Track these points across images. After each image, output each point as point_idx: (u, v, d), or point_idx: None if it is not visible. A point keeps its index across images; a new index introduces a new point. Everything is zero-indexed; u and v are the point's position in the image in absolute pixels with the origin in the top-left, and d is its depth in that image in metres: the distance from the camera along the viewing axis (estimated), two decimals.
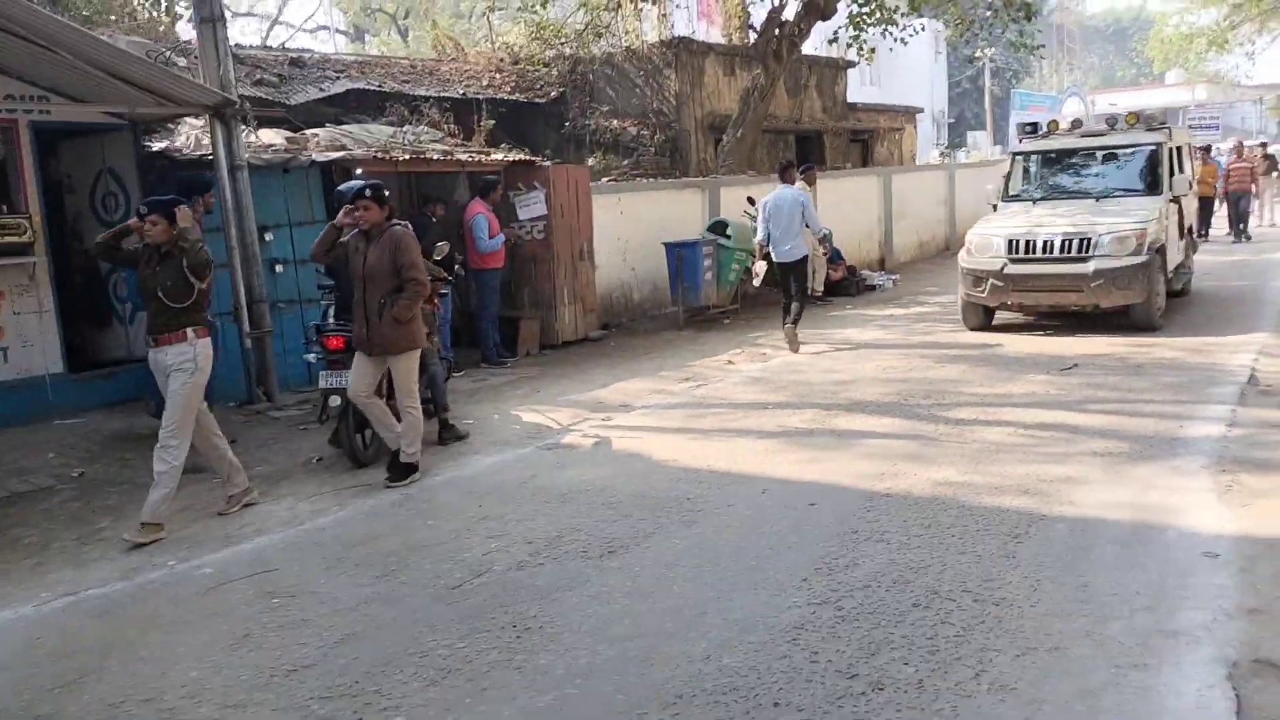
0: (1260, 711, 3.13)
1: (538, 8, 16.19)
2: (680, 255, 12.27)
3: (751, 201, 13.59)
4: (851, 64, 19.19)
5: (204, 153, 8.75)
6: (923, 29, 15.81)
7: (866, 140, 21.12)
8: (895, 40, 15.40)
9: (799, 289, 10.44)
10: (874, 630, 3.84)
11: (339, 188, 7.52)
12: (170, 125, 9.49)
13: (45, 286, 8.43)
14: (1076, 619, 3.85)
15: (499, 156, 11.52)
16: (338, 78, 14.37)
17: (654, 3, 16.64)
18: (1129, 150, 10.98)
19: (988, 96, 39.23)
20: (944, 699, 3.31)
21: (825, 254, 12.71)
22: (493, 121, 13.67)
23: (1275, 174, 20.00)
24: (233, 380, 8.48)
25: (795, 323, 10.20)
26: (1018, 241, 9.97)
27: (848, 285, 14.67)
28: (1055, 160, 11.40)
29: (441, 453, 7.09)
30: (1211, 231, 18.78)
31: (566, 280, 11.35)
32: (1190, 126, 27.06)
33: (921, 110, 25.02)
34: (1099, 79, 71.92)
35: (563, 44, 16.91)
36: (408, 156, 10.27)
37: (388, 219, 6.37)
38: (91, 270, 9.30)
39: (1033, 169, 11.49)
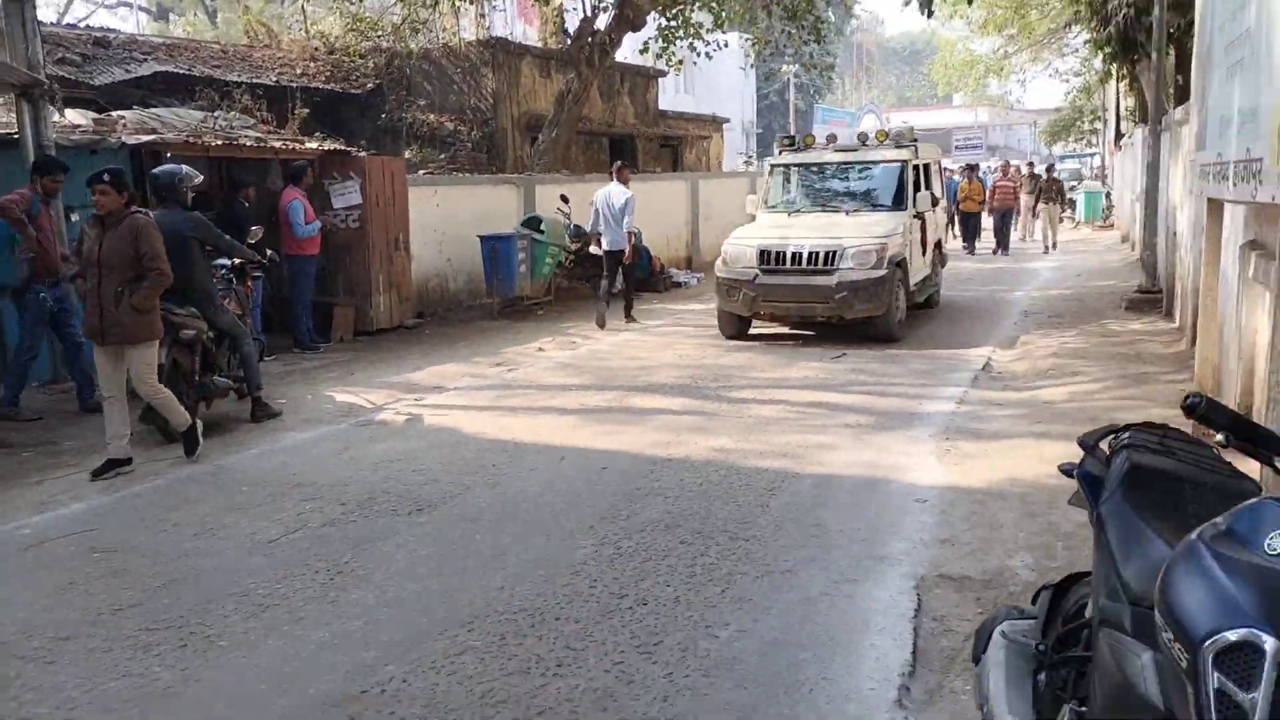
0: (931, 608, 4.01)
1: (358, 3, 16.29)
2: (495, 248, 12.80)
3: (565, 199, 14.33)
4: (662, 73, 20.18)
5: (9, 131, 8.63)
6: (726, 45, 16.88)
7: (676, 146, 22.22)
8: (700, 55, 16.40)
9: (625, 275, 12.05)
10: (644, 563, 4.55)
11: (153, 170, 7.63)
12: None
13: None
14: (808, 549, 4.68)
15: (313, 145, 11.71)
16: (145, 59, 14.11)
17: (472, 2, 17.02)
18: (877, 166, 11.36)
19: (792, 110, 41.51)
20: (694, 609, 4.04)
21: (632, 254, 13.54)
22: (307, 110, 13.77)
23: (1032, 196, 21.94)
24: (41, 359, 8.39)
25: (627, 309, 12.04)
26: (769, 253, 10.17)
27: (655, 281, 15.56)
28: (810, 173, 11.71)
29: (255, 429, 7.38)
30: (978, 245, 20.82)
31: (382, 269, 11.68)
32: (958, 147, 29.59)
33: (729, 120, 26.39)
34: (895, 98, 76.80)
35: (379, 37, 17.08)
36: (220, 142, 10.35)
37: (127, 206, 6.27)
38: None
39: (790, 181, 11.77)
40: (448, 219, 13.27)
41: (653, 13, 16.06)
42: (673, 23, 16.05)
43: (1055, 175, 22.36)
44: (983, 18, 31.55)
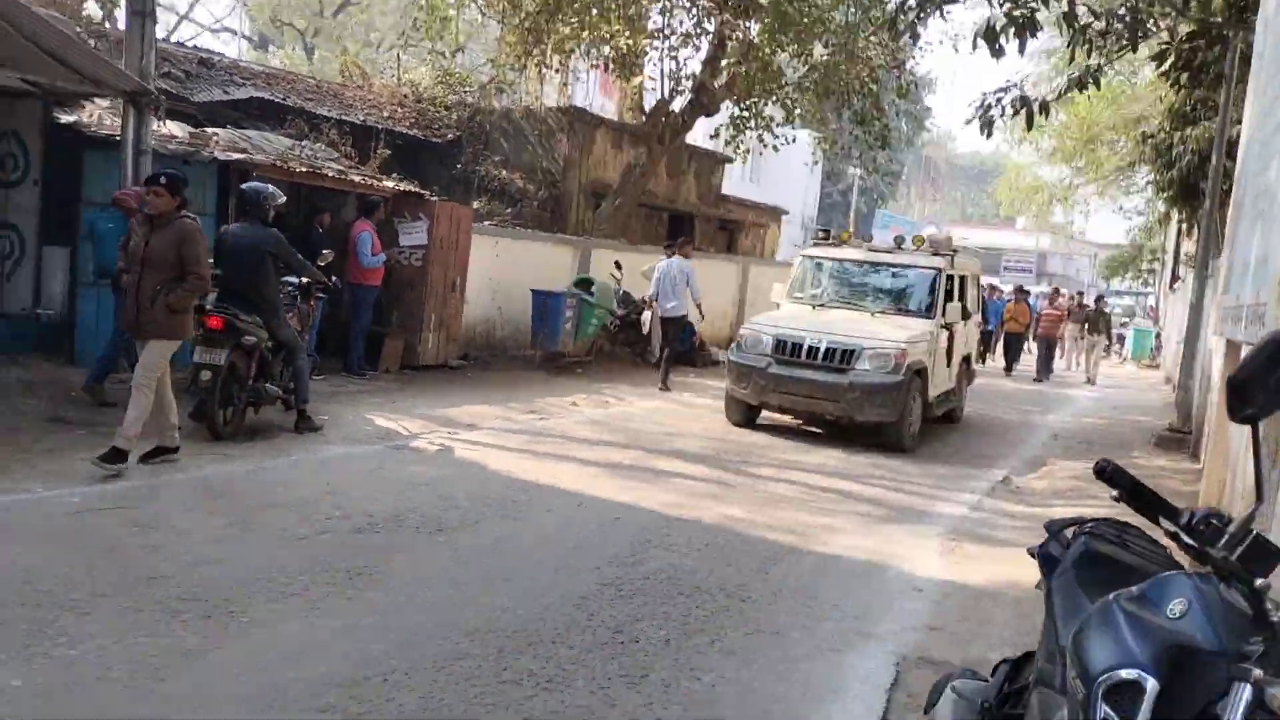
0: (907, 684, 4.20)
1: (447, 55, 17.11)
2: (545, 303, 13.25)
3: (619, 266, 14.81)
4: (729, 159, 20.78)
5: (112, 133, 9.27)
6: (794, 140, 17.45)
7: (733, 230, 22.74)
8: (768, 146, 16.95)
9: (671, 339, 13.00)
10: (642, 607, 4.79)
11: (242, 186, 8.16)
12: (82, 102, 9.92)
13: None
14: (798, 617, 4.90)
15: (390, 184, 12.29)
16: (244, 84, 14.90)
17: (557, 71, 17.78)
18: (909, 271, 11.04)
19: (853, 211, 42.11)
20: (682, 653, 4.28)
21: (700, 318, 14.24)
22: (389, 152, 14.43)
23: (1079, 325, 21.87)
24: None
25: (665, 371, 12.81)
26: (785, 343, 9.92)
27: (694, 355, 15.91)
28: (841, 269, 11.43)
29: (297, 439, 7.76)
30: (1018, 368, 20.88)
31: (436, 308, 12.14)
32: (1007, 268, 29.77)
33: (788, 212, 26.95)
34: (958, 213, 77.39)
35: (466, 92, 17.85)
36: (304, 169, 10.95)
37: (178, 209, 6.48)
38: None
39: (820, 274, 11.51)
40: (504, 269, 13.77)
41: (727, 100, 16.67)
42: (745, 113, 16.63)
43: (1103, 308, 22.25)
44: (1052, 147, 32.07)
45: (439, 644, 4.10)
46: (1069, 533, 2.76)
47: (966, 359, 12.40)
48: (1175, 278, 26.39)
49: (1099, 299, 23.46)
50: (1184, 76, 10.82)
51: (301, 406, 8.02)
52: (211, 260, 8.26)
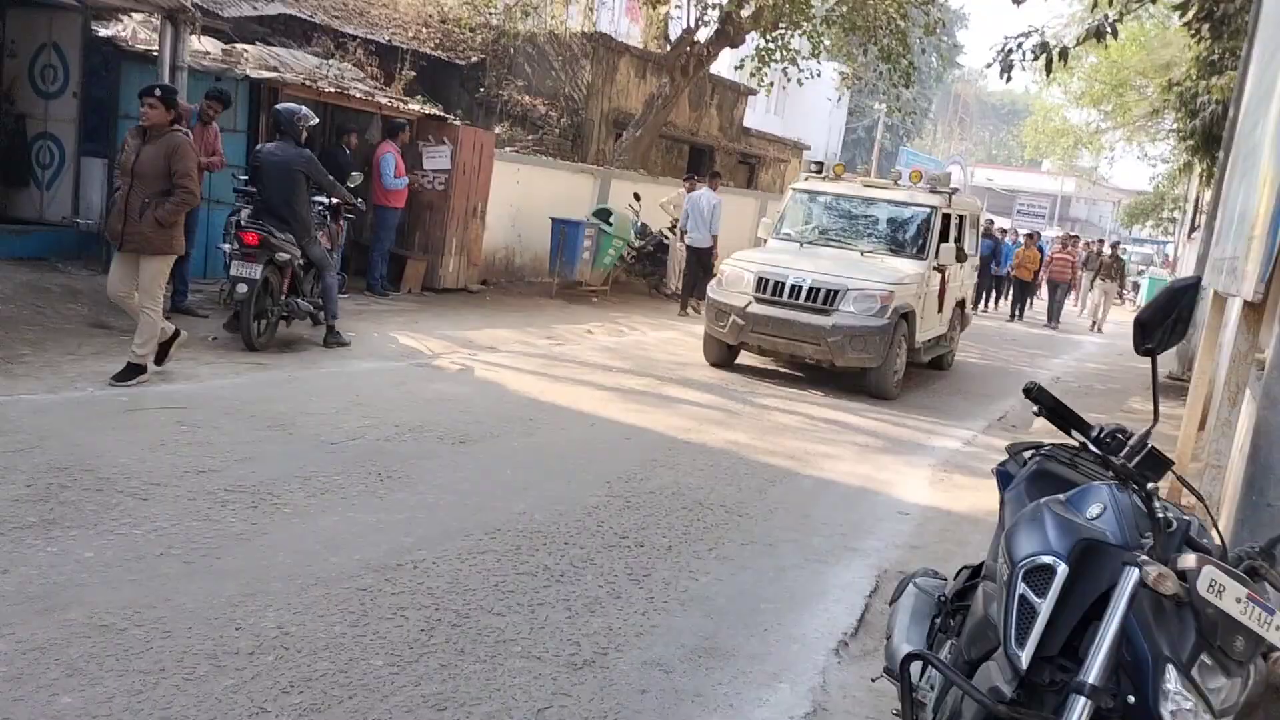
0: (885, 593, 4.58)
1: None
2: (564, 232, 13.53)
3: (637, 197, 15.05)
4: (753, 91, 20.80)
5: (149, 48, 9.53)
6: (819, 75, 17.47)
7: (754, 164, 22.82)
8: (792, 80, 17.01)
9: (702, 270, 13.35)
10: (648, 516, 5.21)
11: (276, 107, 8.44)
12: (119, 16, 10.15)
13: None
14: (792, 532, 5.31)
15: (416, 107, 12.52)
16: (272, 1, 15.03)
17: None
18: (903, 209, 10.47)
19: (876, 147, 41.86)
20: (683, 558, 4.70)
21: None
22: (413, 73, 14.61)
23: (1094, 272, 21.81)
24: None
25: (684, 303, 13.43)
26: (766, 281, 9.44)
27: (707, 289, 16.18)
28: (832, 206, 10.81)
29: (326, 353, 8.17)
30: (1029, 313, 21.10)
31: (457, 232, 12.45)
32: (1020, 211, 29.44)
33: (809, 148, 26.91)
34: (985, 153, 76.54)
35: (491, 14, 17.89)
36: (333, 90, 11.19)
37: (172, 123, 6.42)
38: (18, 134, 9.90)
39: (810, 210, 10.93)
40: (525, 196, 14.03)
41: (753, 32, 16.69)
42: (771, 45, 16.66)
43: (1118, 254, 22.23)
44: (1081, 90, 31.75)
45: (463, 540, 4.53)
46: (1026, 454, 3.12)
47: (961, 303, 11.92)
48: (1194, 228, 26.36)
49: (1114, 246, 23.47)
50: (1205, 28, 10.87)
51: (331, 322, 8.41)
52: (246, 178, 8.69)
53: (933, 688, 2.76)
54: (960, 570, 3.32)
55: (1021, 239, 21.94)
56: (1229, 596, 1.94)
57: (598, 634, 3.80)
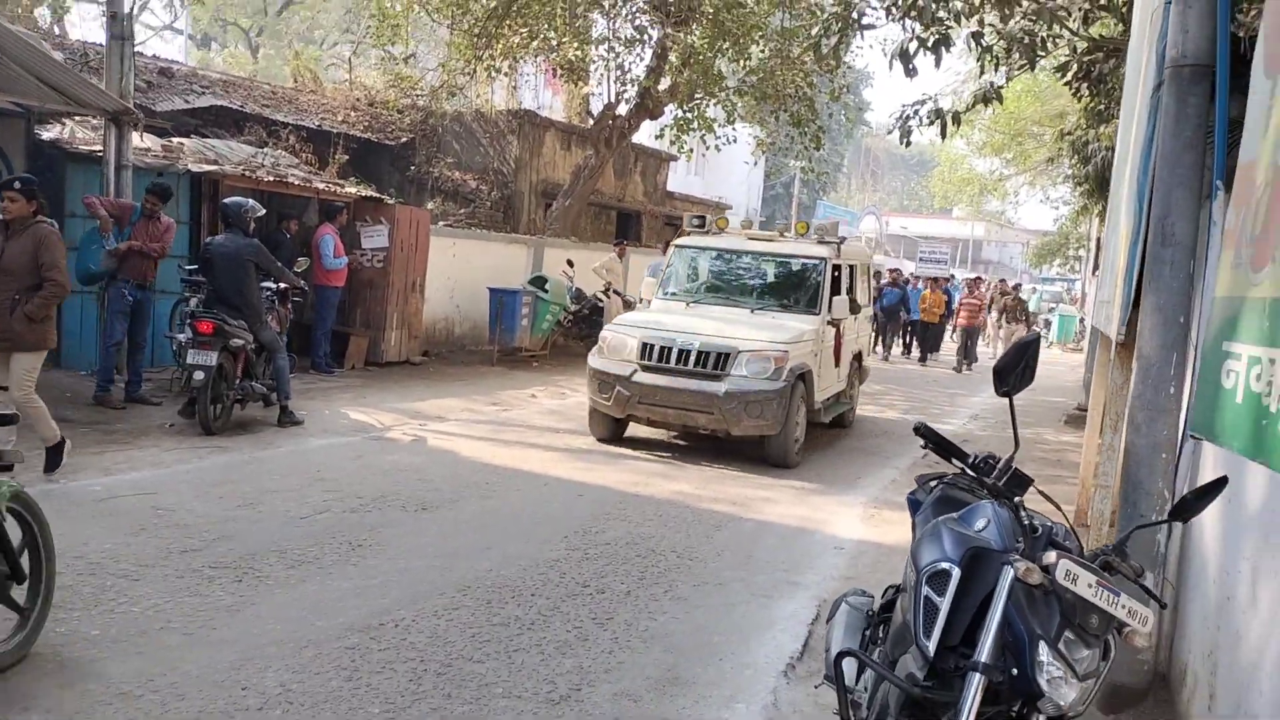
0: (824, 619, 5.08)
1: (399, 60, 17.71)
2: (502, 301, 14.01)
3: (570, 264, 15.61)
4: (674, 158, 21.64)
5: (92, 148, 9.85)
6: (735, 141, 18.32)
7: (678, 226, 23.55)
8: (710, 147, 17.82)
9: None
10: (605, 566, 5.63)
11: (224, 201, 8.80)
12: (63, 120, 10.46)
13: None
14: (738, 571, 5.77)
15: (352, 190, 12.95)
16: (203, 92, 15.40)
17: (505, 75, 18.47)
18: (792, 261, 9.96)
19: (794, 202, 43.21)
20: (640, 601, 5.13)
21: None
22: (346, 157, 15.05)
23: (1000, 314, 22.34)
24: (94, 349, 9.51)
25: None
26: (652, 346, 8.74)
27: None
28: (718, 261, 10.29)
29: (281, 432, 8.46)
30: (935, 358, 21.46)
31: (398, 307, 12.83)
32: (922, 258, 30.11)
33: (731, 206, 27.86)
34: (897, 202, 79.14)
35: (418, 96, 18.45)
36: (271, 178, 11.57)
37: (34, 215, 6.23)
38: None
39: (695, 267, 10.35)
40: (461, 269, 14.50)
41: (670, 104, 17.50)
42: (688, 115, 17.47)
43: (1018, 295, 22.71)
44: (983, 141, 33.43)
45: (437, 598, 4.90)
46: (932, 484, 3.64)
47: (858, 357, 11.44)
48: (1096, 266, 27.83)
49: (1016, 287, 24.10)
50: (1084, 86, 11.84)
51: (284, 402, 8.71)
52: (192, 268, 9.03)
53: (866, 689, 3.24)
54: (887, 589, 3.81)
55: (924, 285, 22.25)
56: (1083, 583, 2.47)
57: (570, 673, 4.20)
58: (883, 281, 21.06)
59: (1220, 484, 2.71)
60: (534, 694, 3.98)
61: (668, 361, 8.70)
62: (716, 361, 8.59)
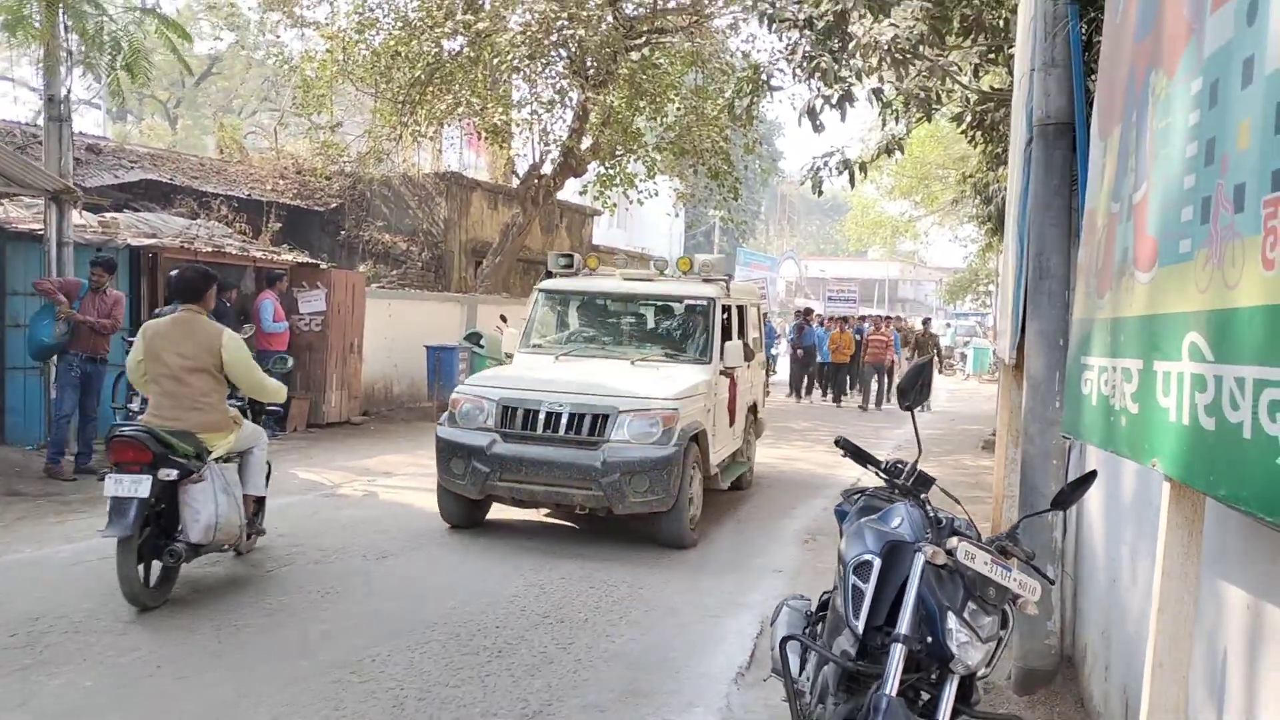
0: (769, 634, 5.54)
1: (327, 130, 18.08)
2: (439, 357, 14.35)
3: (504, 319, 15.98)
4: (598, 212, 22.32)
5: (30, 226, 10.03)
6: (657, 194, 19.03)
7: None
8: (632, 201, 18.50)
9: None
10: (563, 598, 6.02)
11: (172, 272, 9.03)
12: (1, 201, 10.61)
13: None
14: (689, 595, 6.21)
15: (289, 257, 13.24)
16: (132, 167, 15.59)
17: (431, 139, 18.97)
18: (676, 304, 8.76)
19: (715, 249, 44.33)
20: (599, 626, 5.53)
21: None
22: (279, 225, 15.33)
23: (910, 349, 22.18)
24: (39, 424, 9.63)
25: None
26: (514, 410, 7.35)
27: None
28: (590, 307, 9.10)
29: None
30: (845, 399, 21.26)
31: (337, 369, 13.09)
32: (831, 298, 30.48)
33: (656, 256, 28.61)
34: (815, 246, 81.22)
35: (345, 162, 18.83)
36: (209, 249, 11.82)
37: None
38: None
39: (564, 314, 9.15)
40: (397, 329, 14.81)
41: (593, 161, 18.17)
42: (610, 171, 18.15)
43: (929, 330, 23.00)
44: (891, 185, 34.87)
45: (408, 635, 5.24)
46: (855, 496, 4.15)
47: (753, 409, 10.28)
48: None
49: (925, 322, 24.31)
50: (979, 134, 12.75)
51: None
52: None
53: (809, 679, 3.69)
54: (822, 593, 4.30)
55: (831, 325, 22.07)
56: (980, 561, 2.97)
57: (540, 691, 4.58)
58: (798, 322, 21.65)
59: (1090, 477, 3.26)
60: (509, 711, 4.35)
61: (533, 428, 7.29)
62: (593, 425, 7.20)
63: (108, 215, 12.11)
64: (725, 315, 8.74)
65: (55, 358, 8.99)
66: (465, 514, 7.77)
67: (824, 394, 21.89)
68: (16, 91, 36.62)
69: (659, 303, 8.95)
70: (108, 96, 36.99)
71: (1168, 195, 2.29)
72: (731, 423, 8.96)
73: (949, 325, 44.25)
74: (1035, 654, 4.52)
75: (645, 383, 7.60)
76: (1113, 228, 2.79)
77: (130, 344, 9.13)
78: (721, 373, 8.43)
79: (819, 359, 21.30)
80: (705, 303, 8.56)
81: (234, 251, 12.30)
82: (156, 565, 5.55)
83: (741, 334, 9.32)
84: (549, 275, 9.31)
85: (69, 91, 10.13)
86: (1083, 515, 4.76)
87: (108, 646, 4.86)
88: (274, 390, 6.28)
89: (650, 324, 9.02)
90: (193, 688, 4.43)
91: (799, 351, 21.14)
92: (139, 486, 5.31)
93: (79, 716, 4.08)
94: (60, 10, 9.66)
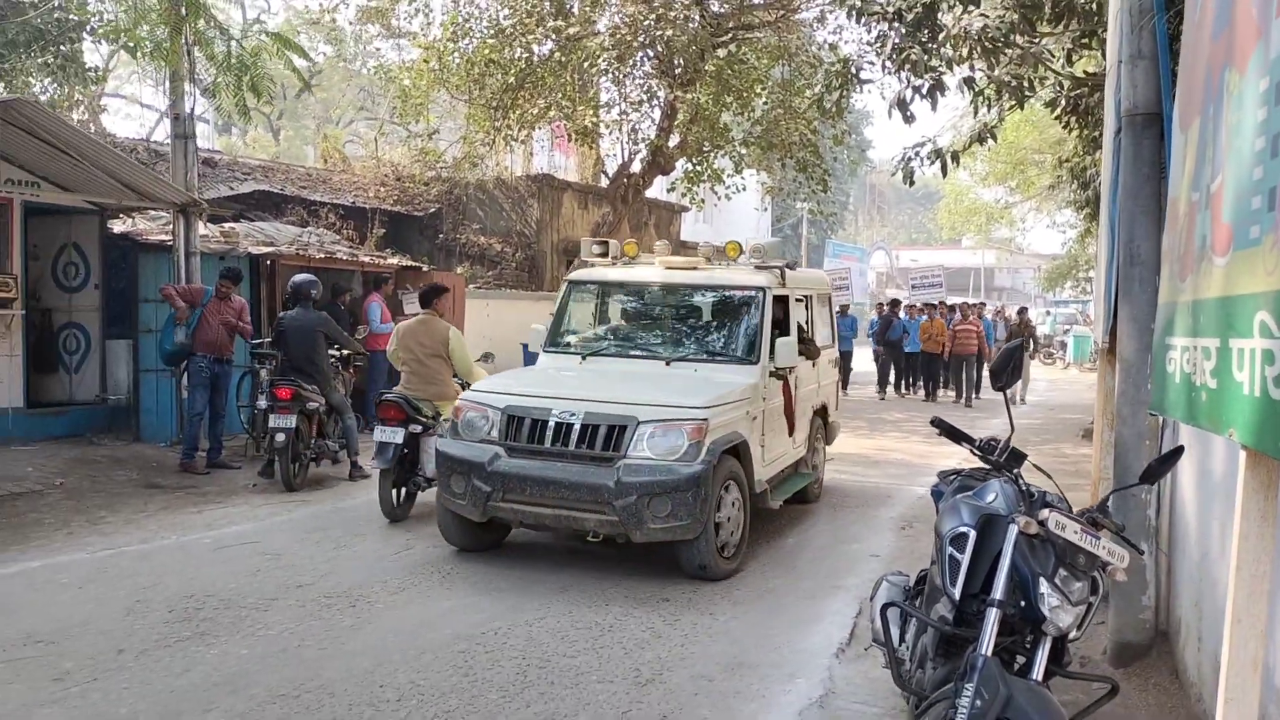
0: (866, 613, 5.75)
1: (424, 138, 18.75)
2: (536, 356, 14.78)
3: None
4: (686, 209, 22.56)
5: (162, 238, 10.75)
6: (744, 189, 19.19)
7: None
8: (720, 197, 18.73)
9: None
10: (667, 579, 6.31)
11: (292, 280, 9.61)
12: (130, 214, 11.40)
13: (18, 335, 10.13)
14: (787, 578, 6.45)
15: (394, 261, 13.83)
16: (245, 179, 16.44)
17: (522, 143, 19.49)
18: (718, 296, 7.72)
19: (804, 243, 44.19)
20: (701, 605, 5.80)
21: None
22: (382, 230, 15.99)
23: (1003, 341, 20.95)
24: (171, 422, 10.35)
25: None
26: (520, 420, 6.42)
27: None
28: (624, 300, 8.16)
29: (353, 485, 9.24)
30: (942, 393, 19.97)
31: None
32: (914, 285, 26.27)
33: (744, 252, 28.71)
34: (906, 236, 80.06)
35: (442, 168, 19.48)
36: (321, 255, 12.46)
37: None
38: (45, 327, 11.00)
39: (596, 309, 8.31)
40: (495, 327, 15.32)
41: (681, 158, 18.43)
42: (698, 168, 18.39)
43: (1026, 319, 21.51)
44: (985, 171, 34.27)
45: (526, 610, 5.60)
46: (951, 476, 4.34)
47: (822, 412, 8.99)
48: None
49: (1020, 311, 22.52)
50: (1073, 119, 12.63)
51: (354, 458, 9.48)
52: (258, 342, 9.88)
53: (908, 647, 3.92)
54: (919, 571, 4.51)
55: (921, 313, 20.62)
56: (1070, 530, 3.16)
57: (652, 662, 4.89)
58: (886, 314, 20.50)
59: (1178, 452, 3.42)
60: (623, 678, 4.66)
61: (541, 441, 6.32)
62: (608, 438, 6.19)
63: (227, 225, 12.84)
64: (782, 308, 7.81)
65: (186, 361, 9.63)
66: (471, 536, 6.82)
67: (910, 388, 20.52)
68: (129, 108, 38.54)
69: (700, 294, 7.83)
70: (228, 113, 38.80)
71: (1239, 185, 2.46)
72: (791, 431, 7.82)
73: (1048, 313, 43.23)
74: (1131, 627, 4.65)
75: (674, 388, 6.64)
76: (1193, 215, 2.95)
77: (253, 347, 9.87)
78: (774, 374, 7.32)
79: (906, 348, 19.92)
80: (753, 293, 7.44)
81: (344, 257, 12.93)
82: (403, 492, 7.91)
83: (806, 328, 8.42)
84: (582, 264, 8.40)
85: (193, 110, 10.82)
86: (1176, 493, 4.86)
87: (256, 621, 5.33)
88: (479, 374, 8.27)
89: (691, 319, 7.92)
90: (334, 656, 4.85)
91: (881, 346, 20.13)
92: (396, 435, 7.67)
93: (238, 681, 4.53)
94: (186, 35, 10.32)
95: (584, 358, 7.52)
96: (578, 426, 6.27)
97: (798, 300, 8.29)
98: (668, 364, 7.23)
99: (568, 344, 7.83)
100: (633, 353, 7.53)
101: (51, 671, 4.60)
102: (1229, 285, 2.53)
